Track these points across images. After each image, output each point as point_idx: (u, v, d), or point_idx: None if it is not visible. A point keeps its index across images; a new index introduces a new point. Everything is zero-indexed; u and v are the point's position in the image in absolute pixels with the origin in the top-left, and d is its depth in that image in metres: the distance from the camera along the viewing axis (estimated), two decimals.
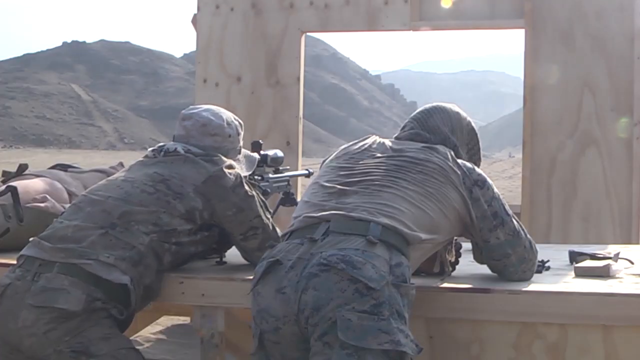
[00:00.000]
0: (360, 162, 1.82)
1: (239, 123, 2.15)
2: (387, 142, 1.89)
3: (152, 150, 2.07)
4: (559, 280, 1.90)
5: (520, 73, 3.82)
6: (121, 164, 2.65)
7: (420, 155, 1.80)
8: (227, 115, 2.13)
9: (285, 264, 1.61)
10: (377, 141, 1.91)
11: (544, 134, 3.63)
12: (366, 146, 1.89)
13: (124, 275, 1.80)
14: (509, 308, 1.75)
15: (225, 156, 2.05)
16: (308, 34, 4.03)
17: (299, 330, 1.57)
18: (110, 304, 1.78)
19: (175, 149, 2.02)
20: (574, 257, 2.15)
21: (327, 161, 1.92)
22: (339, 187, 1.76)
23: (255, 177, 2.31)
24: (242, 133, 2.16)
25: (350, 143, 1.95)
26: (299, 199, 3.46)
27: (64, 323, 1.74)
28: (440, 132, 1.90)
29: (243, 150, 2.19)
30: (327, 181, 1.80)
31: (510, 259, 1.83)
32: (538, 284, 1.83)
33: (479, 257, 1.89)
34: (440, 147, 1.84)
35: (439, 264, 1.90)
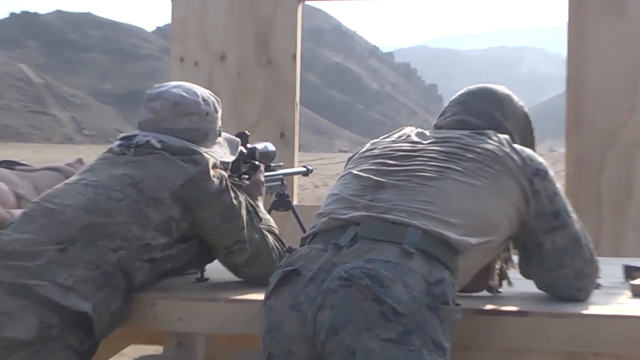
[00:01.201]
0: (401, 150, 1.83)
1: (216, 99, 2.17)
2: (427, 132, 1.90)
3: (119, 145, 2.06)
4: (611, 300, 1.90)
5: (562, 49, 3.82)
6: (80, 161, 2.65)
7: (471, 141, 1.80)
8: (202, 90, 2.15)
9: (304, 275, 1.60)
10: (416, 131, 1.92)
11: (592, 123, 3.62)
12: (404, 136, 1.90)
13: (85, 301, 1.78)
14: (550, 334, 1.74)
15: (204, 139, 2.07)
16: (306, 2, 4.02)
17: (315, 356, 1.55)
18: (68, 331, 1.77)
19: (148, 141, 2.02)
20: (630, 272, 2.14)
21: (355, 156, 1.93)
22: (375, 178, 1.76)
23: (243, 176, 2.30)
24: (220, 111, 2.18)
25: (382, 137, 1.96)
26: (295, 202, 3.44)
27: (12, 355, 1.72)
28: (491, 117, 1.91)
29: (223, 133, 2.20)
30: (362, 170, 1.81)
31: (565, 271, 1.82)
32: (586, 305, 1.83)
33: (526, 269, 1.88)
34: (491, 132, 1.84)
35: (495, 276, 1.89)
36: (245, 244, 2.00)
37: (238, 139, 2.25)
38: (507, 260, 1.92)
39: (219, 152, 2.12)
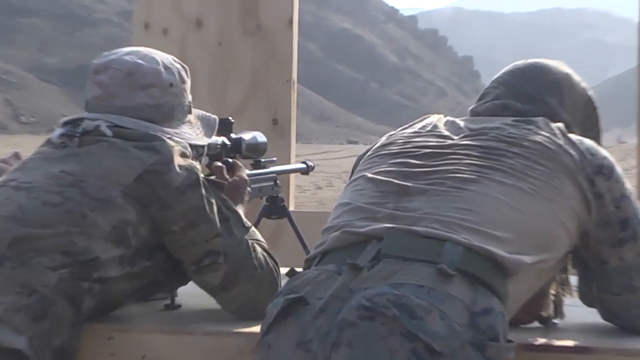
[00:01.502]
0: (427, 147, 1.84)
1: (182, 66, 2.18)
2: (459, 121, 1.92)
3: (61, 135, 2.06)
4: None
5: (632, 12, 3.81)
6: (17, 156, 2.64)
7: (515, 132, 1.81)
8: (162, 56, 2.15)
9: (313, 304, 1.59)
10: (445, 120, 1.94)
11: None
12: (430, 126, 1.91)
13: (18, 335, 1.77)
14: None
15: (168, 117, 2.08)
16: None
17: None
18: None
19: (98, 126, 2.02)
20: None
21: (368, 153, 1.94)
22: (397, 182, 1.77)
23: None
24: (188, 82, 2.18)
25: (400, 128, 1.97)
26: (291, 208, 3.44)
27: None
28: (543, 104, 1.92)
29: (194, 110, 2.20)
30: (379, 173, 1.81)
31: (635, 295, 1.83)
32: None
33: (588, 294, 1.89)
34: (541, 120, 1.85)
35: (550, 304, 1.90)
36: (218, 256, 1.99)
37: (215, 117, 2.25)
38: (564, 284, 1.92)
39: (189, 134, 2.12)
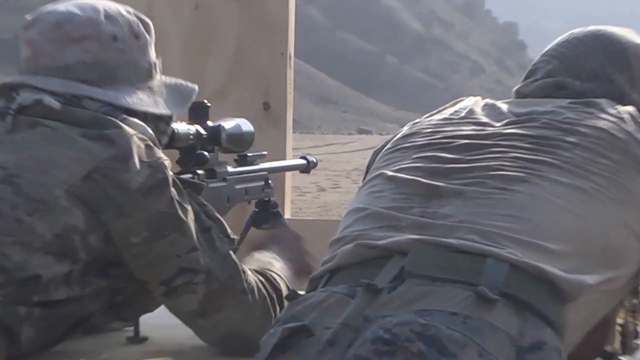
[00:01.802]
0: (462, 137, 1.85)
1: (139, 19, 2.17)
2: (501, 105, 1.93)
3: None
4: None
5: None
6: None
7: (572, 117, 1.82)
8: (108, 5, 2.13)
9: (318, 336, 1.60)
10: (482, 103, 1.95)
11: None
12: (464, 112, 1.93)
13: None
14: None
15: (111, 77, 2.06)
16: None
17: None
18: None
19: (39, 101, 2.01)
20: None
21: (387, 146, 1.95)
22: (424, 181, 1.78)
23: (198, 172, 2.29)
24: (149, 38, 2.17)
25: (427, 115, 1.99)
26: (287, 215, 3.46)
27: None
28: (607, 81, 1.94)
29: (165, 77, 2.20)
30: (402, 170, 1.82)
31: None
32: None
33: None
34: (605, 102, 1.86)
35: (616, 336, 1.90)
36: (194, 275, 2.00)
37: (193, 86, 2.25)
38: (635, 310, 1.93)
39: (142, 102, 2.11)
